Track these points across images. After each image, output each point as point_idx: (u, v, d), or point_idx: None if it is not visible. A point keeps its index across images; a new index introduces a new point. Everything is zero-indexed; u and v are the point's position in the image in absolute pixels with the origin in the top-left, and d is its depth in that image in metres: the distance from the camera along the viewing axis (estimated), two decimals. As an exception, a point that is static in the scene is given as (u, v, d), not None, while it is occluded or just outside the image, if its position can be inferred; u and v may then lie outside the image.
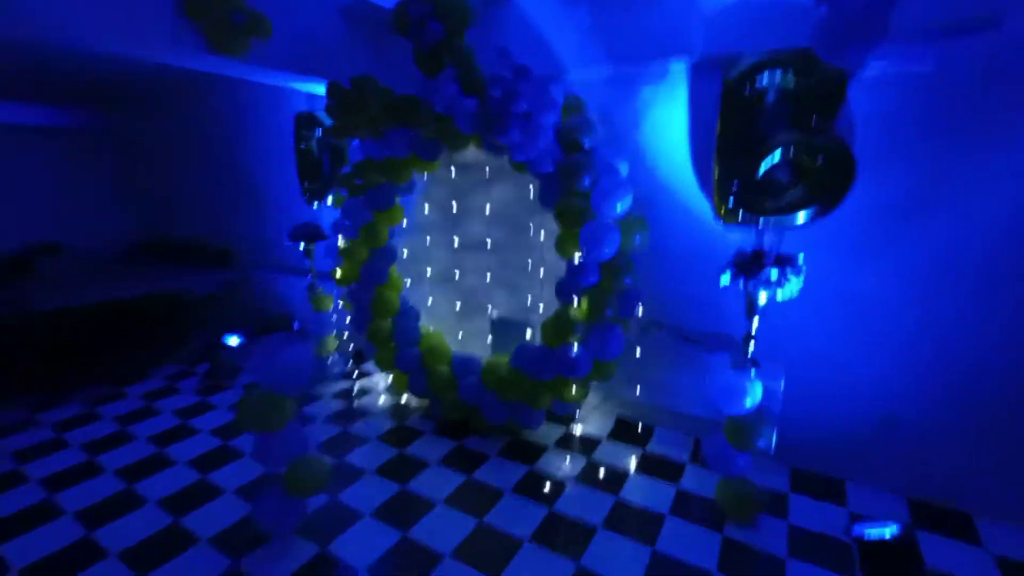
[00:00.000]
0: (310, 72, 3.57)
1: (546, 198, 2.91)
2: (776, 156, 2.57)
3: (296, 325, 4.84)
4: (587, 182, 2.70)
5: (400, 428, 3.59)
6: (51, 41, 2.61)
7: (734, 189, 2.66)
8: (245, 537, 2.50)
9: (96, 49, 2.78)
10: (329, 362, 4.46)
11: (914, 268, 2.53)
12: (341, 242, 3.87)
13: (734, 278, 2.31)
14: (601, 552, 2.38)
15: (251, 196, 5.66)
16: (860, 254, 2.63)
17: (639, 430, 3.45)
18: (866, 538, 1.93)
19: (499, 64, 2.67)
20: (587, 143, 2.76)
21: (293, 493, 2.49)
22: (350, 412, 3.82)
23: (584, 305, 2.85)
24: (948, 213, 2.43)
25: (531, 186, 3.43)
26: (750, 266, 2.26)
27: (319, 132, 4.52)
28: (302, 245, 4.26)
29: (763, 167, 2.61)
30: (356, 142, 3.78)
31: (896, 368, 2.63)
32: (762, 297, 2.32)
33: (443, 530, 2.54)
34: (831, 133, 2.49)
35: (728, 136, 2.69)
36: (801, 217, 2.56)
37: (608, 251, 2.68)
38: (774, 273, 2.19)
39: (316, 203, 4.70)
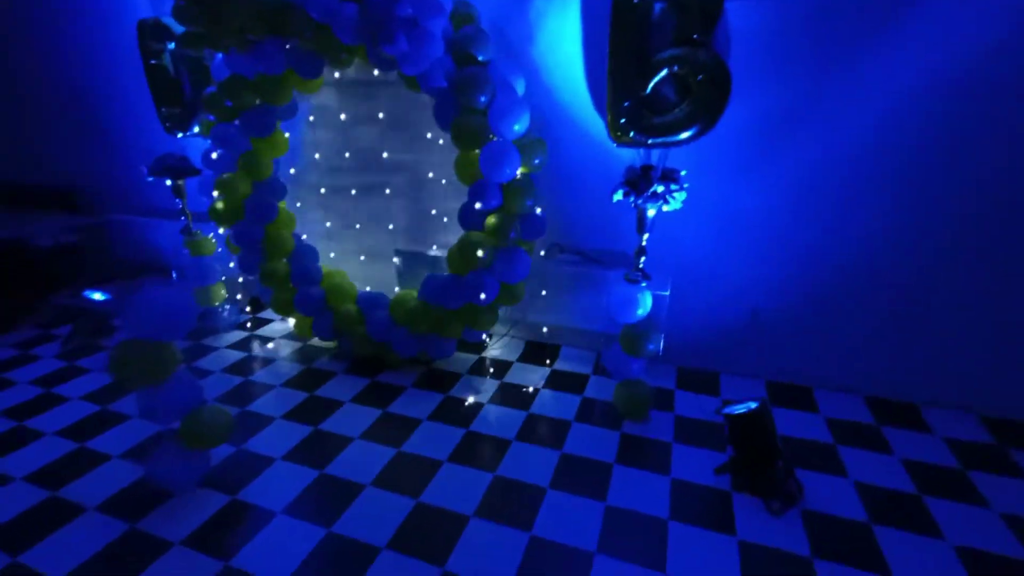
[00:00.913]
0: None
1: (442, 118, 2.76)
2: (663, 72, 2.64)
3: (174, 275, 4.34)
4: (483, 99, 2.59)
5: (308, 371, 3.46)
6: None
7: (625, 107, 2.71)
8: (140, 497, 2.34)
9: None
10: (220, 312, 4.10)
11: (784, 180, 2.79)
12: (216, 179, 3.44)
13: (625, 195, 2.41)
14: (515, 461, 2.56)
15: (95, 125, 4.76)
16: (737, 169, 2.85)
17: (548, 351, 3.64)
18: (730, 412, 2.26)
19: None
20: (481, 56, 2.62)
21: (193, 446, 2.34)
22: (250, 361, 3.60)
23: (489, 229, 2.84)
24: (818, 128, 2.65)
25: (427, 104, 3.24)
26: (639, 182, 2.37)
27: (172, 45, 3.83)
28: (169, 181, 3.71)
29: (651, 84, 2.68)
30: (219, 56, 3.27)
31: (764, 270, 2.98)
32: (651, 212, 2.46)
33: (361, 463, 2.56)
34: (710, 48, 2.58)
35: (619, 52, 2.69)
36: (685, 135, 2.71)
37: (509, 172, 2.65)
38: (660, 188, 2.32)
39: (180, 133, 4.07)
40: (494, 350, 3.67)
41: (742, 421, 2.29)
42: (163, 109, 4.06)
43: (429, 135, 3.44)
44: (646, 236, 2.58)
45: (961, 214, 2.56)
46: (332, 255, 4.08)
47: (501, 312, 3.60)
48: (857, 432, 2.73)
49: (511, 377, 3.33)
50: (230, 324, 4.13)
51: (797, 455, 2.56)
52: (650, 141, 2.74)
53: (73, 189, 5.15)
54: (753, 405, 2.31)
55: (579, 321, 3.39)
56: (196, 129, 3.95)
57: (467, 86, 2.58)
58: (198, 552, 2.05)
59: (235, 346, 3.82)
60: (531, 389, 3.19)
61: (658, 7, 2.66)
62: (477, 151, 2.72)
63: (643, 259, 2.63)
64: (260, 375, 3.41)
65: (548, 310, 3.46)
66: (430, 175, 3.55)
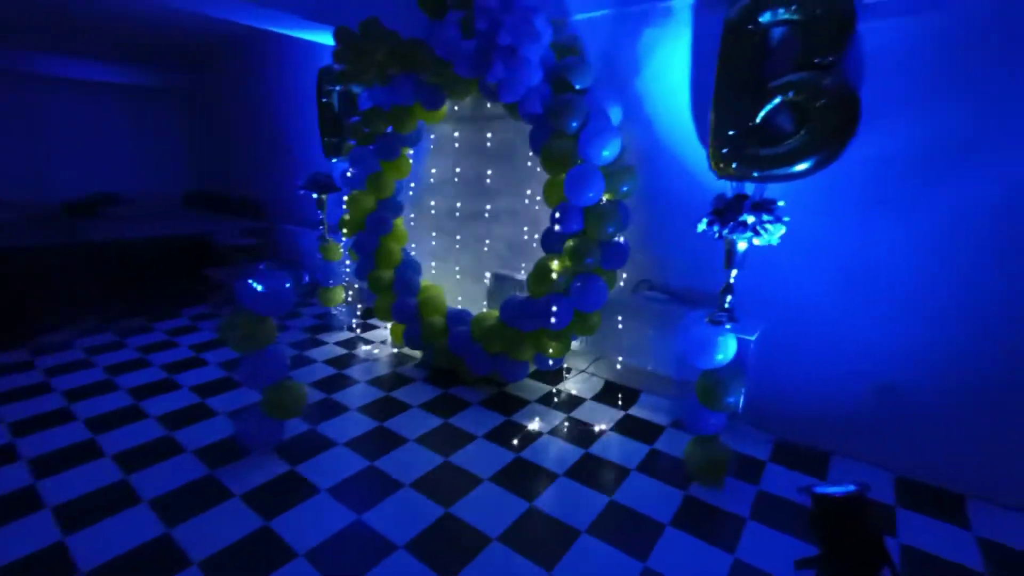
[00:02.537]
0: (320, 18, 3.64)
1: (535, 142, 2.85)
2: (777, 100, 2.41)
3: (306, 276, 5.04)
4: (574, 124, 2.62)
5: (392, 374, 3.68)
6: None
7: (729, 135, 2.52)
8: (226, 452, 2.66)
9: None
10: (335, 312, 4.62)
11: (925, 226, 2.31)
12: (347, 195, 3.97)
13: (710, 224, 2.19)
14: (556, 496, 2.38)
15: (282, 151, 5.89)
16: (863, 209, 2.43)
17: (626, 394, 3.38)
18: (820, 491, 1.82)
19: None
20: (579, 84, 2.68)
21: (271, 413, 2.62)
22: (348, 358, 3.95)
23: (566, 254, 2.80)
24: (963, 169, 2.19)
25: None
26: (727, 211, 2.14)
27: (340, 86, 4.62)
28: (315, 195, 4.39)
29: (763, 112, 2.46)
30: (366, 92, 3.85)
31: (897, 333, 2.43)
32: (741, 245, 2.20)
33: (408, 463, 2.61)
34: (838, 74, 2.30)
35: (727, 78, 2.54)
36: (801, 167, 2.40)
37: (592, 196, 2.61)
38: (750, 218, 2.07)
39: (335, 158, 4.83)
40: (569, 384, 3.52)
41: (835, 505, 1.83)
42: (325, 139, 4.88)
43: (529, 164, 3.57)
44: (734, 273, 2.31)
45: None
46: (433, 271, 4.37)
47: (583, 347, 3.47)
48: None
49: (579, 413, 3.15)
50: (342, 324, 4.62)
51: (922, 574, 1.96)
52: (756, 174, 2.50)
53: (260, 202, 6.37)
54: (851, 488, 1.84)
55: (661, 365, 3.10)
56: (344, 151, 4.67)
57: (559, 112, 2.65)
58: (248, 507, 2.25)
59: (341, 343, 4.24)
60: (597, 429, 2.97)
61: (777, 32, 2.49)
62: (563, 174, 2.74)
63: (729, 298, 2.34)
64: (351, 370, 3.72)
65: (630, 349, 3.23)
66: (526, 201, 3.65)
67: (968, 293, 2.25)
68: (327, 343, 4.24)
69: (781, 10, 2.35)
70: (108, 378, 3.50)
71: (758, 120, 2.49)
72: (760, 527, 2.20)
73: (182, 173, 8.27)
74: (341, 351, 4.08)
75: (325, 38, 4.47)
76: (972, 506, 2.33)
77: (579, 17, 3.10)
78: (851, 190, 2.45)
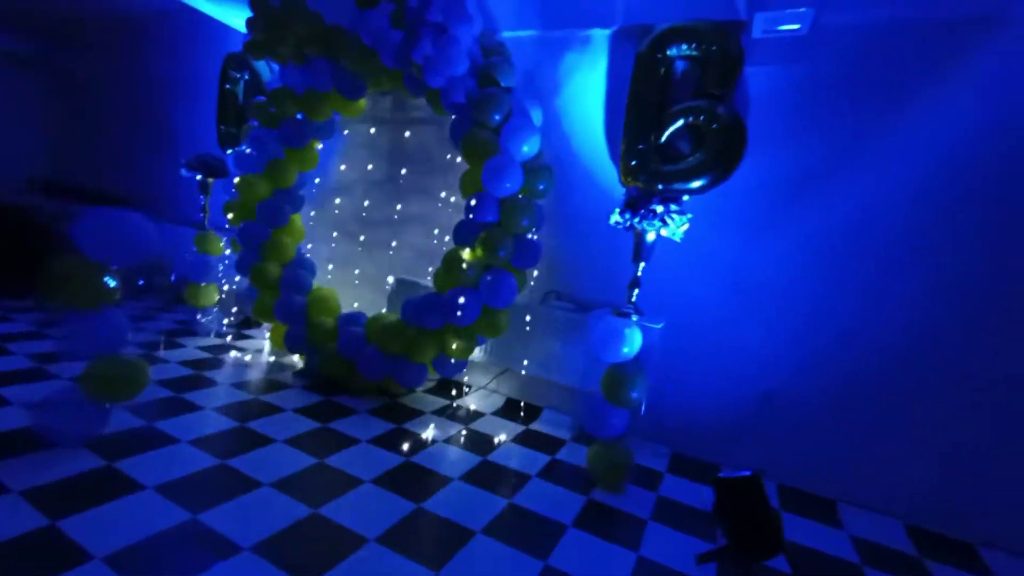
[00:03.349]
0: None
1: (456, 133, 2.81)
2: (679, 123, 2.64)
3: (172, 277, 4.35)
4: (497, 117, 2.64)
5: (265, 379, 3.17)
6: None
7: (638, 149, 2.69)
8: (14, 445, 2.00)
9: None
10: (203, 317, 3.97)
11: (804, 244, 2.56)
12: (238, 177, 3.57)
13: (622, 213, 2.25)
14: (449, 499, 2.09)
15: (166, 142, 5.25)
16: (753, 227, 2.66)
17: (528, 410, 3.21)
18: (719, 476, 1.78)
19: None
20: (504, 82, 2.74)
21: (95, 391, 2.05)
22: (211, 362, 3.35)
23: (479, 245, 2.70)
24: (823, 193, 2.50)
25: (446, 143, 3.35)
26: (637, 201, 2.22)
27: (247, 75, 4.31)
28: (199, 176, 3.89)
29: (667, 131, 2.67)
30: (276, 74, 3.61)
31: (779, 345, 2.61)
32: (650, 236, 2.26)
33: (271, 463, 2.16)
34: (730, 104, 2.59)
35: (637, 103, 2.75)
36: (697, 183, 2.61)
37: (510, 186, 2.58)
38: (659, 207, 2.16)
39: (230, 149, 4.40)
40: (469, 399, 3.28)
41: (733, 487, 1.80)
42: (222, 127, 4.46)
43: (444, 168, 3.51)
44: (642, 265, 2.36)
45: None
46: (329, 276, 4.00)
47: (486, 358, 3.30)
48: (891, 559, 2.10)
49: (478, 425, 2.90)
50: (210, 331, 3.97)
51: (810, 567, 1.96)
52: (660, 187, 2.66)
53: (126, 196, 5.52)
54: (747, 472, 1.83)
55: (566, 376, 3.02)
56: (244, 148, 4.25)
57: (484, 103, 2.65)
58: (32, 505, 1.66)
59: (206, 348, 3.61)
60: (496, 440, 2.74)
61: (680, 65, 2.78)
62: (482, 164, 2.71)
63: (636, 291, 2.37)
64: (212, 373, 3.14)
65: (535, 359, 3.12)
66: (439, 205, 3.56)
67: (832, 304, 2.51)
68: (186, 346, 3.59)
69: (684, 45, 2.65)
70: None
71: (663, 139, 2.69)
72: (661, 527, 2.09)
73: (31, 156, 6.98)
74: (204, 355, 3.46)
75: (236, 20, 4.21)
76: (843, 509, 2.45)
77: (506, 35, 3.25)
78: (738, 208, 2.69)
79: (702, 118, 2.58)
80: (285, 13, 3.12)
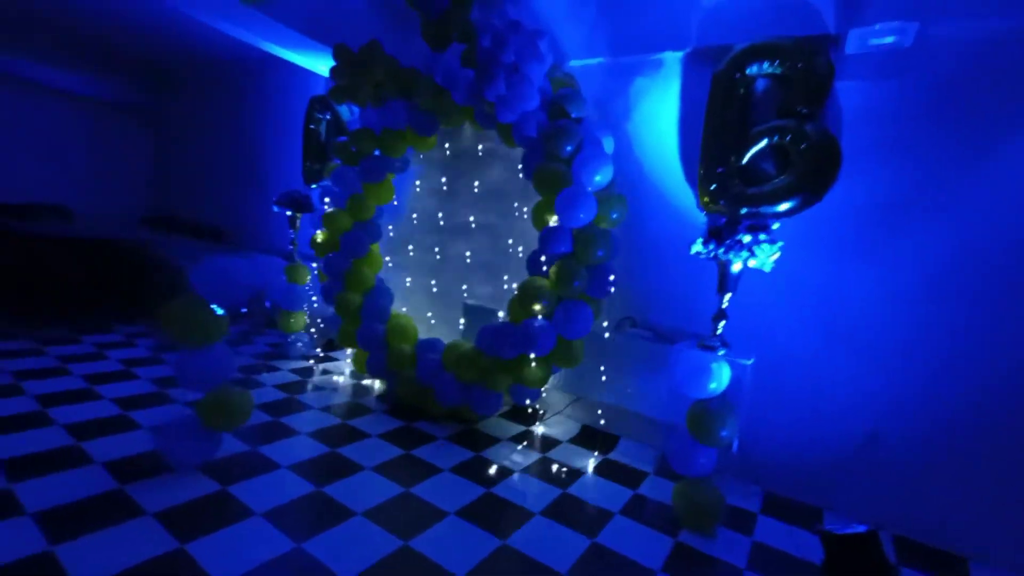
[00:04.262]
0: (324, 39, 3.69)
1: (528, 165, 2.85)
2: (763, 143, 2.52)
3: (267, 303, 4.70)
4: (569, 148, 2.65)
5: (351, 403, 3.34)
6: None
7: (718, 172, 2.59)
8: (144, 467, 2.25)
9: None
10: (294, 341, 4.27)
11: (909, 276, 2.35)
12: (327, 210, 3.83)
13: (705, 243, 2.17)
14: (533, 535, 2.08)
15: (256, 177, 5.75)
16: (851, 255, 2.47)
17: (604, 439, 3.15)
18: (831, 530, 1.65)
19: (496, 20, 2.72)
20: (574, 113, 2.75)
21: (208, 422, 2.26)
22: (302, 385, 3.59)
23: (553, 276, 2.71)
24: (942, 220, 2.28)
25: (520, 175, 3.40)
26: (722, 231, 2.13)
27: (329, 115, 4.63)
28: (289, 212, 4.22)
29: (748, 154, 2.56)
30: (356, 116, 3.85)
31: (885, 383, 2.39)
32: (736, 266, 2.17)
33: (362, 492, 2.27)
34: (818, 122, 2.44)
35: (715, 124, 2.66)
36: (784, 206, 2.47)
37: (583, 216, 2.57)
38: (746, 237, 2.06)
39: (314, 184, 4.73)
40: (544, 426, 3.27)
41: (848, 544, 1.66)
42: (307, 165, 4.81)
43: (516, 204, 3.56)
44: (728, 297, 2.26)
45: None
46: (404, 310, 4.17)
47: (560, 385, 3.29)
48: (1040, 631, 1.84)
49: (556, 454, 2.89)
50: (300, 354, 4.26)
51: (936, 634, 1.76)
52: (743, 211, 2.55)
53: (223, 228, 6.09)
54: (863, 528, 1.68)
55: (644, 406, 2.94)
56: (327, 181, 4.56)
57: (555, 136, 2.68)
58: (161, 526, 1.85)
59: (296, 371, 3.87)
60: (576, 469, 2.71)
61: (761, 83, 2.66)
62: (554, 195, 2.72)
63: (722, 324, 2.27)
64: (304, 397, 3.36)
65: (611, 388, 3.07)
66: (510, 241, 3.60)
67: (942, 335, 2.26)
68: (280, 369, 3.87)
69: (765, 64, 2.53)
70: (14, 383, 3.01)
71: (745, 161, 2.58)
72: (758, 577, 1.96)
73: (144, 195, 7.91)
74: (295, 378, 3.72)
75: (319, 66, 4.54)
76: (975, 569, 2.18)
77: (574, 63, 3.27)
78: (832, 232, 2.51)
79: (788, 137, 2.45)
80: (365, 60, 3.33)
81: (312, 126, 4.75)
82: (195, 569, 1.66)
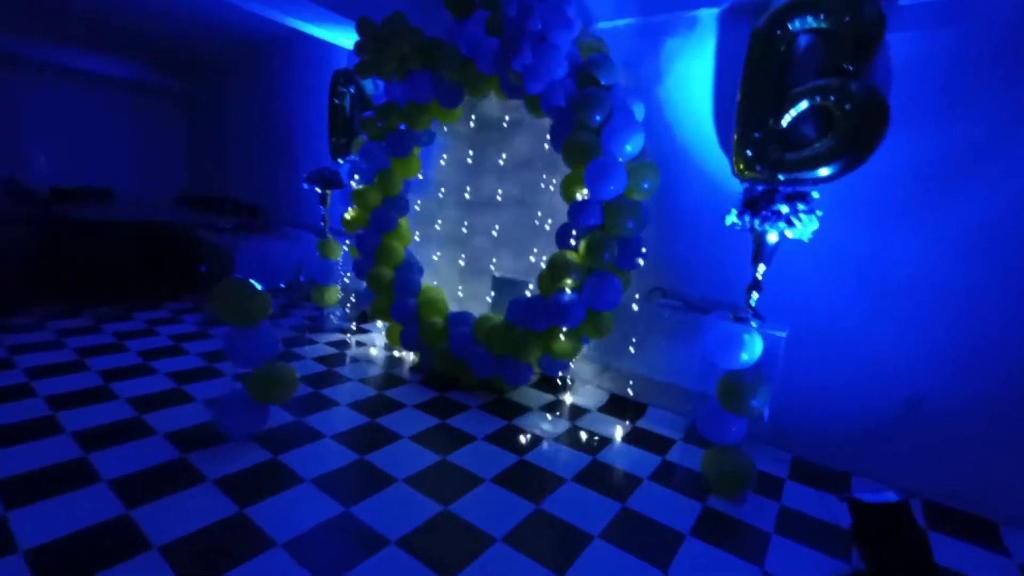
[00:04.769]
0: (347, 12, 3.65)
1: (556, 137, 2.81)
2: (803, 105, 2.41)
3: (302, 277, 4.85)
4: (598, 118, 2.59)
5: (386, 375, 3.48)
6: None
7: (755, 137, 2.50)
8: (201, 438, 2.42)
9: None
10: (328, 315, 4.42)
11: (957, 234, 2.25)
12: (355, 186, 3.88)
13: (740, 215, 2.12)
14: (565, 500, 2.17)
15: (285, 154, 5.83)
16: (893, 216, 2.38)
17: (633, 407, 3.21)
18: (860, 498, 1.67)
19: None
20: (604, 80, 2.67)
21: (257, 396, 2.40)
22: (339, 358, 3.74)
23: (583, 249, 2.71)
24: (1006, 174, 2.15)
25: (546, 145, 3.35)
26: (758, 201, 2.08)
27: (353, 88, 4.62)
28: (319, 189, 4.29)
29: (788, 117, 2.45)
30: (381, 90, 3.83)
31: (926, 347, 2.34)
32: (772, 237, 2.12)
33: (402, 460, 2.39)
34: (865, 80, 2.31)
35: (753, 85, 2.54)
36: (824, 171, 2.37)
37: (614, 188, 2.54)
38: (784, 207, 2.00)
39: (341, 159, 4.77)
40: (574, 395, 3.34)
41: (879, 513, 1.67)
42: (333, 139, 4.84)
43: (544, 176, 3.52)
44: (762, 268, 2.22)
45: None
46: (436, 258, 4.24)
47: (590, 355, 3.33)
48: (1076, 598, 1.84)
49: (584, 422, 2.96)
50: (335, 327, 4.41)
51: (967, 599, 1.79)
52: (781, 177, 2.47)
53: (258, 205, 6.24)
54: (894, 496, 1.69)
55: (673, 375, 2.96)
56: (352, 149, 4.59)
57: (583, 104, 2.62)
58: (222, 492, 2.01)
59: (332, 343, 4.03)
60: (605, 436, 2.78)
61: (803, 39, 2.52)
62: (583, 166, 2.69)
63: (756, 295, 2.24)
64: (342, 369, 3.51)
65: (640, 358, 3.09)
66: (539, 213, 3.58)
67: (988, 300, 2.18)
68: (318, 342, 4.03)
69: (810, 18, 2.39)
70: (79, 359, 3.24)
71: (784, 124, 2.48)
72: (787, 542, 2.01)
73: (180, 175, 8.16)
74: (332, 350, 3.87)
75: (342, 39, 4.50)
76: (1007, 533, 2.17)
77: (603, 25, 3.15)
78: (874, 196, 2.42)
79: (832, 98, 2.33)
80: (389, 32, 3.28)
81: (337, 100, 4.74)
82: (256, 531, 1.81)
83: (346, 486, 2.14)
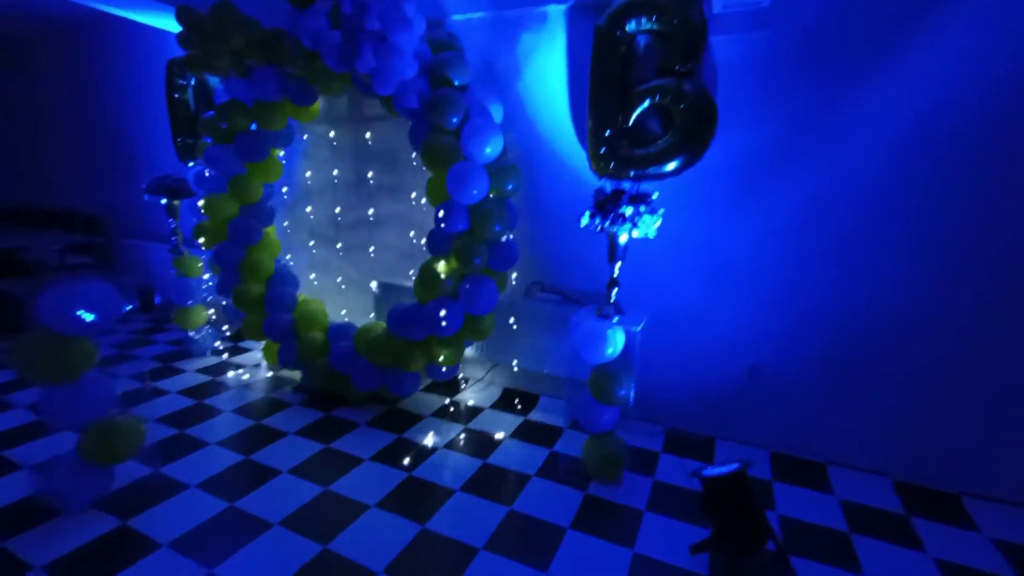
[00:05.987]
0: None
1: (416, 139, 2.70)
2: (645, 103, 2.52)
3: (157, 298, 4.32)
4: (455, 120, 2.52)
5: (266, 399, 3.23)
6: None
7: (606, 135, 2.59)
8: (27, 514, 2.08)
9: None
10: (195, 336, 3.99)
11: (781, 220, 2.52)
12: (202, 199, 3.47)
13: (592, 216, 2.20)
14: (453, 514, 2.18)
15: (124, 156, 5.07)
16: (728, 206, 2.61)
17: (524, 399, 3.29)
18: (704, 474, 1.86)
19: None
20: (457, 80, 2.59)
21: (92, 460, 2.10)
22: (210, 386, 3.40)
23: (452, 257, 2.66)
24: (819, 162, 2.40)
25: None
26: (606, 204, 2.16)
27: (194, 81, 4.09)
28: (164, 200, 3.79)
29: (634, 115, 2.56)
30: (222, 85, 3.42)
31: (765, 322, 2.63)
32: (622, 237, 2.22)
33: (279, 499, 2.24)
34: (696, 80, 2.46)
35: (600, 82, 2.61)
36: (670, 167, 2.52)
37: (477, 193, 2.51)
38: (628, 209, 2.10)
39: (191, 162, 4.24)
40: (467, 394, 3.35)
41: (721, 485, 1.88)
42: (179, 140, 4.27)
43: (414, 165, 3.40)
44: (619, 265, 2.33)
45: (1000, 258, 2.19)
46: (315, 283, 3.99)
47: (479, 354, 3.33)
48: (879, 521, 2.22)
49: (478, 423, 2.98)
50: (205, 349, 4.00)
51: (799, 541, 2.07)
52: (632, 173, 2.58)
53: (97, 216, 5.40)
54: (734, 466, 1.90)
55: (556, 367, 3.07)
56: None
57: (437, 106, 2.53)
58: (53, 581, 1.75)
59: (203, 370, 3.65)
60: (496, 437, 2.83)
61: (642, 40, 2.61)
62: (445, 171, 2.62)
63: (615, 291, 2.36)
64: (214, 400, 3.20)
65: (525, 353, 3.16)
66: (412, 204, 3.47)
67: (804, 278, 2.50)
68: (185, 371, 3.63)
69: (644, 19, 2.48)
70: None
71: (630, 123, 2.58)
72: (657, 518, 2.19)
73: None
74: (203, 378, 3.51)
75: (171, 25, 3.93)
76: (833, 472, 2.56)
77: (456, 18, 3.04)
78: (708, 189, 2.63)
79: (668, 97, 2.46)
80: (217, 23, 2.90)
81: (177, 95, 4.18)
82: (94, 622, 1.60)
83: (212, 541, 1.97)
